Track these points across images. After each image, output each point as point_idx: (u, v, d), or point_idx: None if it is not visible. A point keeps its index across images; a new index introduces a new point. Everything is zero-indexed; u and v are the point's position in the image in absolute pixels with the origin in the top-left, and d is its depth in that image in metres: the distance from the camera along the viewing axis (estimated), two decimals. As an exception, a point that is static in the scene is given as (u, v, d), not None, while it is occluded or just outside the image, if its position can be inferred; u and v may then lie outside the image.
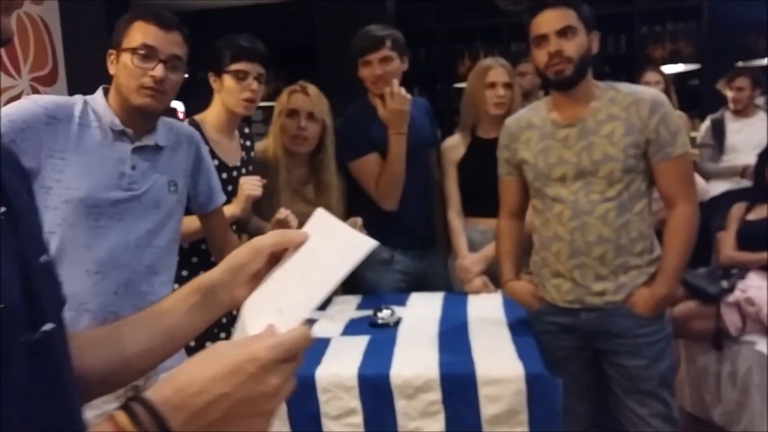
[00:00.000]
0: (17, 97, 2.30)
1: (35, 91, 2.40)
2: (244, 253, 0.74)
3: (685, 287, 2.63)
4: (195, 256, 1.96)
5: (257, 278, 0.74)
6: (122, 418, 0.53)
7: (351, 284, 2.47)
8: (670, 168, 1.73)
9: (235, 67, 1.97)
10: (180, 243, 1.69)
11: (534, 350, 1.70)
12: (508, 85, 2.40)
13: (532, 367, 1.57)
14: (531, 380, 1.53)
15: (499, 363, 1.62)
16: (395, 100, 2.23)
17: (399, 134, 2.28)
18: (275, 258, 0.75)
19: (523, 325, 1.89)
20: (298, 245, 0.73)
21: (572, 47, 1.70)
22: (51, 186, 1.42)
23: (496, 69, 2.43)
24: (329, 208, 2.17)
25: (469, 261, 2.33)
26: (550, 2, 1.72)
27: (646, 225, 1.79)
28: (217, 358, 0.57)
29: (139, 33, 1.47)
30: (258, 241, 0.75)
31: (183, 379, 0.56)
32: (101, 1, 2.99)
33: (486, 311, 2.07)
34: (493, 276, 2.32)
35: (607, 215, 1.74)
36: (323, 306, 2.21)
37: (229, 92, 1.98)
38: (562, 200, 1.78)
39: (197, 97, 2.18)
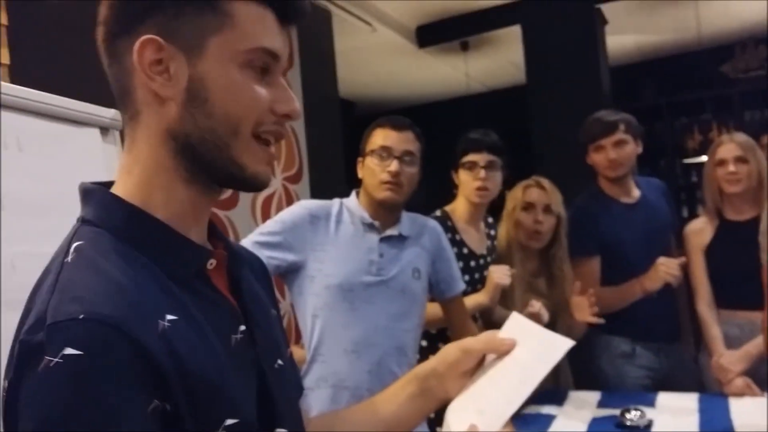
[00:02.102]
0: (273, 194, 2.60)
1: (286, 189, 2.68)
2: (454, 352, 0.79)
3: None
4: (442, 342, 2.01)
5: (468, 375, 0.78)
6: None
7: (587, 379, 2.32)
8: None
9: (465, 159, 2.07)
10: (427, 328, 1.76)
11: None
12: (741, 160, 2.18)
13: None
14: None
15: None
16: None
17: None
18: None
19: (809, 439, 1.61)
20: (503, 354, 0.76)
21: None
22: (314, 275, 1.61)
23: (725, 145, 2.23)
24: (563, 300, 2.13)
25: (728, 359, 2.06)
26: None
27: None
28: None
29: (378, 137, 1.66)
30: (468, 343, 0.78)
31: None
32: (338, 111, 3.33)
33: (754, 417, 1.80)
34: (755, 377, 2.04)
35: None
36: (560, 401, 2.09)
37: (463, 183, 2.09)
38: None
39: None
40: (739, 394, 2.01)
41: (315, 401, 1.58)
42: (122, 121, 0.64)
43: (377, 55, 4.89)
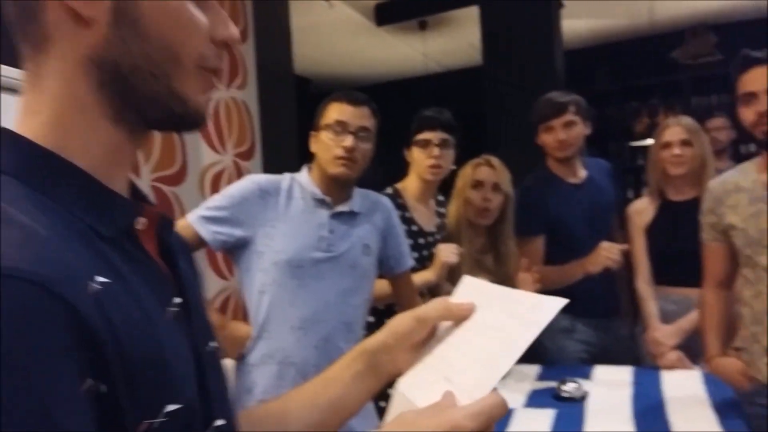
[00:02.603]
0: (223, 170, 2.57)
1: (237, 165, 2.66)
2: (407, 321, 0.71)
3: None
4: (389, 317, 2.04)
5: (419, 347, 0.71)
6: None
7: (528, 353, 2.39)
8: None
9: (418, 137, 2.10)
10: (375, 304, 1.79)
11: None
12: (686, 143, 2.26)
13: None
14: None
15: (707, 450, 1.47)
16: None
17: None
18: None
19: (731, 408, 1.71)
20: (462, 320, 0.70)
21: None
22: (263, 251, 1.61)
23: (672, 128, 2.31)
24: (508, 277, 2.19)
25: (663, 333, 2.16)
26: (761, 59, 1.61)
27: None
28: (416, 428, 0.55)
29: (334, 111, 1.65)
30: (423, 311, 0.71)
31: None
32: (293, 86, 3.30)
33: (685, 390, 1.89)
34: (688, 350, 2.14)
35: (832, 288, 1.54)
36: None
37: (417, 161, 2.12)
38: (776, 271, 1.61)
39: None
40: (672, 367, 2.11)
41: (260, 378, 1.60)
42: (22, 54, 0.53)
43: (335, 32, 4.86)
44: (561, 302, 0.63)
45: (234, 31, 0.57)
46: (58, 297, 0.40)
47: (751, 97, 1.61)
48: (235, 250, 1.64)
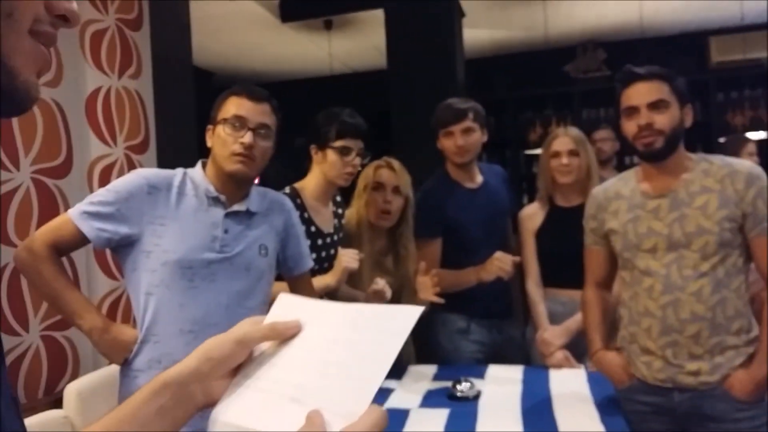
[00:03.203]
0: (113, 163, 2.43)
1: (129, 159, 2.52)
2: (226, 345, 0.65)
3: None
4: None
5: (234, 373, 0.65)
6: None
7: (425, 353, 2.43)
8: None
9: (339, 143, 2.02)
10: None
11: (625, 432, 1.61)
12: (573, 153, 2.38)
13: (626, 452, 1.49)
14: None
15: (589, 445, 1.54)
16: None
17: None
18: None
19: (612, 404, 1.80)
20: (289, 339, 0.65)
21: (664, 120, 1.67)
22: (151, 250, 1.52)
23: (560, 138, 2.42)
24: (407, 278, 2.20)
25: (551, 334, 2.26)
26: (643, 74, 1.71)
27: (743, 303, 1.69)
28: None
29: (232, 106, 1.58)
30: (244, 333, 0.65)
31: None
32: (191, 78, 3.18)
33: (570, 387, 1.98)
34: (574, 350, 2.25)
35: (701, 291, 1.66)
36: (399, 375, 2.18)
37: (332, 166, 2.04)
38: (652, 274, 1.71)
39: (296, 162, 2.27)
40: (559, 366, 2.20)
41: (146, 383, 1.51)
42: None
43: (238, 25, 4.73)
44: (419, 310, 0.61)
45: (73, 5, 0.47)
46: None
47: (633, 110, 1.71)
48: (120, 249, 1.55)
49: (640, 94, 1.69)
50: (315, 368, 0.62)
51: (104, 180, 2.34)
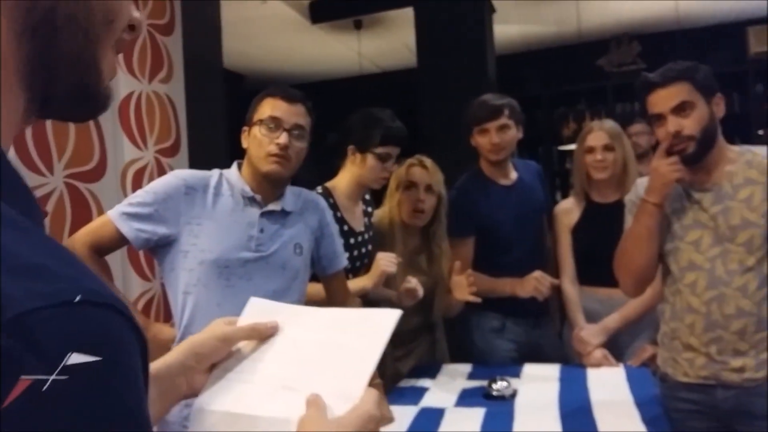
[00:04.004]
0: (145, 166, 2.46)
1: (158, 162, 2.54)
2: (210, 342, 0.73)
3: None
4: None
5: (211, 368, 0.73)
6: None
7: (460, 352, 2.41)
8: None
9: (381, 149, 2.02)
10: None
11: (668, 432, 1.57)
12: (608, 148, 2.33)
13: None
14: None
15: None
16: None
17: None
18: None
19: (653, 404, 1.76)
20: (267, 338, 0.74)
21: (691, 124, 1.62)
22: (188, 250, 1.53)
23: (594, 132, 2.37)
24: (440, 277, 2.18)
25: (588, 332, 2.21)
26: (659, 81, 1.65)
27: (790, 298, 1.63)
28: (336, 424, 0.60)
29: (268, 107, 1.59)
30: (228, 332, 0.74)
31: None
32: (222, 81, 3.21)
33: (609, 386, 1.94)
34: (613, 348, 2.20)
35: (747, 286, 1.60)
36: (433, 374, 2.16)
37: (371, 170, 2.03)
38: (696, 268, 1.66)
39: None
40: (597, 365, 2.16)
41: None
42: None
43: (268, 28, 4.77)
44: (398, 312, 0.69)
45: (140, 15, 0.51)
46: (126, 316, 0.35)
47: (660, 117, 1.66)
48: (158, 249, 1.57)
49: (661, 100, 1.64)
50: (306, 362, 0.69)
51: (137, 183, 2.37)
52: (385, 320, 0.68)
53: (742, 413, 1.64)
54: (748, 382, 1.62)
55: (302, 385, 0.65)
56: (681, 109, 1.62)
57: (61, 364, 0.29)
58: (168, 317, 1.63)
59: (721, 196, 1.65)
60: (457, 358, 2.38)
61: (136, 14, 0.50)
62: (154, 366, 0.69)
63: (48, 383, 0.29)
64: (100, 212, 1.71)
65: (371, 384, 0.65)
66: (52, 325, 0.30)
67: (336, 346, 0.69)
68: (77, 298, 0.31)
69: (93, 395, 0.31)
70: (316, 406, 0.62)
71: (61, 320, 0.30)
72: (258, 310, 0.79)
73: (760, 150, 1.68)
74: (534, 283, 2.15)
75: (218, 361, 0.73)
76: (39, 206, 0.43)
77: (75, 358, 0.30)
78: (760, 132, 4.19)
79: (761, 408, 1.61)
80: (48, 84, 0.44)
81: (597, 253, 2.29)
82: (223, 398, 0.70)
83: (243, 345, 0.75)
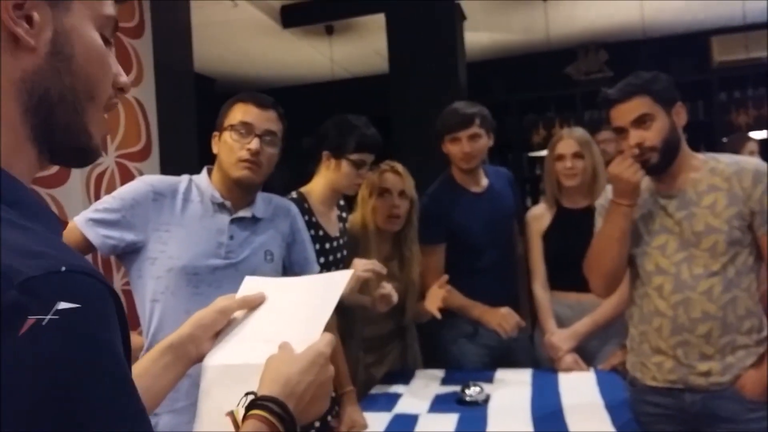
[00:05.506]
0: (104, 171, 2.40)
1: (122, 167, 2.49)
2: (210, 314, 0.92)
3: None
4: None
5: (216, 336, 0.91)
6: (267, 414, 0.71)
7: (433, 357, 2.41)
8: None
9: (356, 156, 2.00)
10: None
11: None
12: (578, 155, 2.36)
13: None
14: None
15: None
16: None
17: None
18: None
19: (623, 408, 1.78)
20: (256, 307, 0.94)
21: (652, 135, 1.65)
22: (156, 257, 1.50)
23: (564, 140, 2.40)
24: (412, 282, 2.19)
25: (559, 337, 2.23)
26: (617, 97, 1.68)
27: (754, 302, 1.68)
28: (293, 358, 0.78)
29: (239, 112, 1.57)
30: (224, 304, 0.94)
31: (282, 376, 0.76)
32: (192, 85, 3.18)
33: (580, 390, 1.96)
34: (583, 353, 2.23)
35: (712, 290, 1.64)
36: (407, 380, 2.16)
37: (345, 176, 2.02)
38: (662, 272, 1.70)
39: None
40: (568, 369, 2.18)
41: None
42: None
43: (240, 32, 4.73)
44: (349, 272, 0.97)
45: (127, 79, 0.65)
46: (106, 285, 0.49)
47: (622, 130, 1.69)
48: (126, 256, 1.53)
49: (622, 114, 1.68)
50: (280, 320, 0.90)
51: (97, 188, 2.31)
52: (340, 279, 0.92)
53: (709, 416, 1.67)
54: (715, 386, 1.66)
55: (277, 337, 0.82)
56: (641, 121, 1.65)
57: (54, 308, 0.44)
58: (135, 325, 1.60)
59: (685, 203, 1.69)
60: (429, 364, 2.38)
61: (123, 79, 0.63)
62: (170, 338, 0.89)
63: (45, 320, 0.43)
64: (65, 218, 1.67)
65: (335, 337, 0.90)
66: (47, 285, 0.45)
67: (302, 304, 0.90)
68: (63, 269, 0.46)
69: (78, 328, 0.45)
70: (282, 349, 0.80)
71: (53, 282, 0.45)
72: (251, 287, 0.97)
73: (723, 157, 1.73)
74: (499, 319, 2.18)
75: (220, 330, 0.91)
76: (50, 213, 0.58)
77: (63, 305, 0.44)
78: (724, 140, 4.29)
79: (727, 411, 1.65)
80: (51, 144, 0.58)
81: (567, 258, 2.32)
82: (220, 355, 0.88)
83: (238, 314, 0.93)
